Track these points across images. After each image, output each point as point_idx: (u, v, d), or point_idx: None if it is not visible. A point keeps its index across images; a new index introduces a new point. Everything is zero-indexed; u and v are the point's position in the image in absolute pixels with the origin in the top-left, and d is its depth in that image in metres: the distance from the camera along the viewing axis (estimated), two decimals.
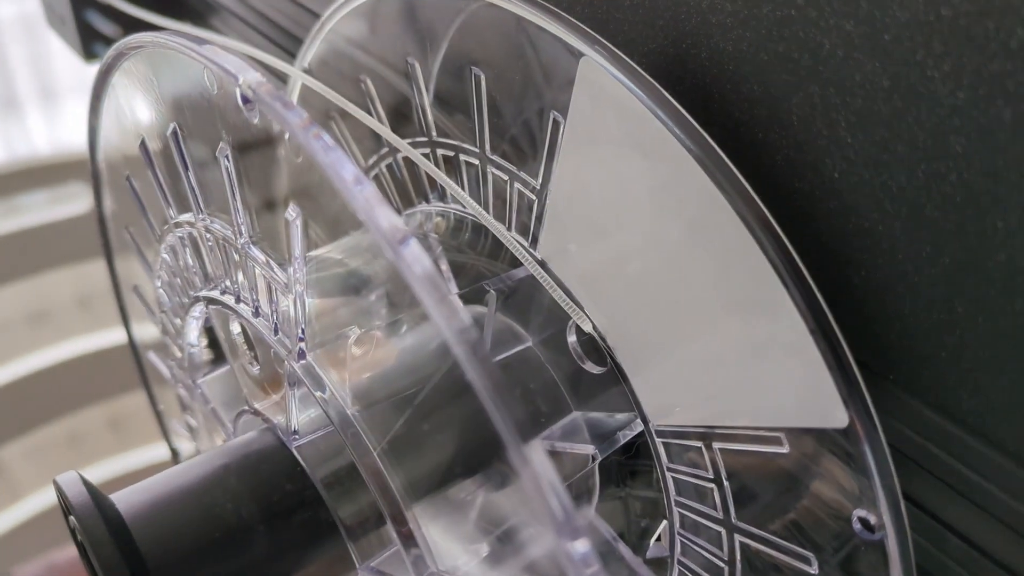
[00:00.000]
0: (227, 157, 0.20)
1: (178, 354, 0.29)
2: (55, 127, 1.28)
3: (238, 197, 0.20)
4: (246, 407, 0.25)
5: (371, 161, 0.29)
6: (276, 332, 0.21)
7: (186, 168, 0.23)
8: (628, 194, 0.21)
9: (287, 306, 0.21)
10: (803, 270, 0.18)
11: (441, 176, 0.24)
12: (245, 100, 0.18)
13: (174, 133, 0.22)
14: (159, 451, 1.07)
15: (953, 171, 0.16)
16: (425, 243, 0.28)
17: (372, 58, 0.28)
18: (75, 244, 0.94)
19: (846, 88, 0.18)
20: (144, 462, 1.04)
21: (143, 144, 0.24)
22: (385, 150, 0.29)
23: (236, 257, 0.22)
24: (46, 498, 1.00)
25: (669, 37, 0.21)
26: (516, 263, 0.25)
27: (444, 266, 0.28)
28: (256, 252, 0.21)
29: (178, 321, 0.28)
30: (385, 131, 0.24)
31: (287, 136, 0.17)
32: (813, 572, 0.20)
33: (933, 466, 0.19)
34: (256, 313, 0.22)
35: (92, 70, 0.44)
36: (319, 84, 0.26)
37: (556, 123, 0.22)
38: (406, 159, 0.28)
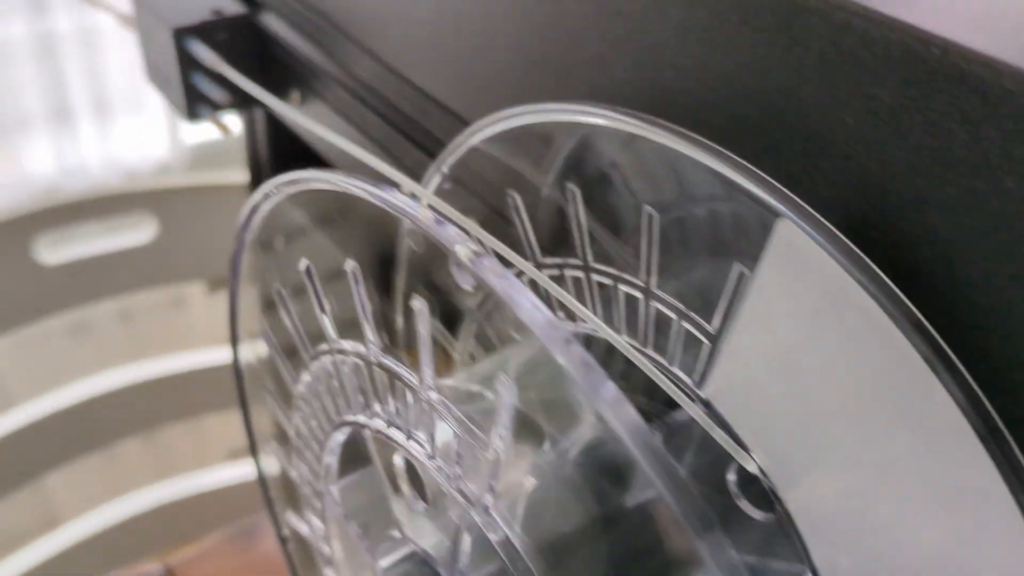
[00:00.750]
0: (422, 314, 0.20)
1: (315, 464, 0.29)
2: (107, 142, 1.29)
3: (430, 352, 0.20)
4: (398, 535, 0.25)
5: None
6: (458, 479, 0.21)
7: (360, 302, 0.22)
8: (819, 356, 0.21)
9: (482, 459, 0.20)
10: (1017, 454, 0.18)
11: (568, 298, 0.24)
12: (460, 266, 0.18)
13: (353, 270, 0.22)
14: (201, 480, 1.07)
15: None
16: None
17: (518, 174, 0.28)
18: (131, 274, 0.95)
19: None
20: (185, 492, 1.04)
21: (308, 270, 0.24)
22: (529, 263, 0.28)
23: (411, 399, 0.22)
24: (87, 525, 1.01)
25: (873, 207, 0.20)
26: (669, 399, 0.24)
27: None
28: (439, 404, 0.21)
29: (320, 428, 0.28)
30: (511, 253, 0.24)
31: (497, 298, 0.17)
32: None
33: None
34: (431, 456, 0.22)
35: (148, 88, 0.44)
36: (449, 207, 0.26)
37: (743, 275, 0.21)
38: (575, 278, 0.27)
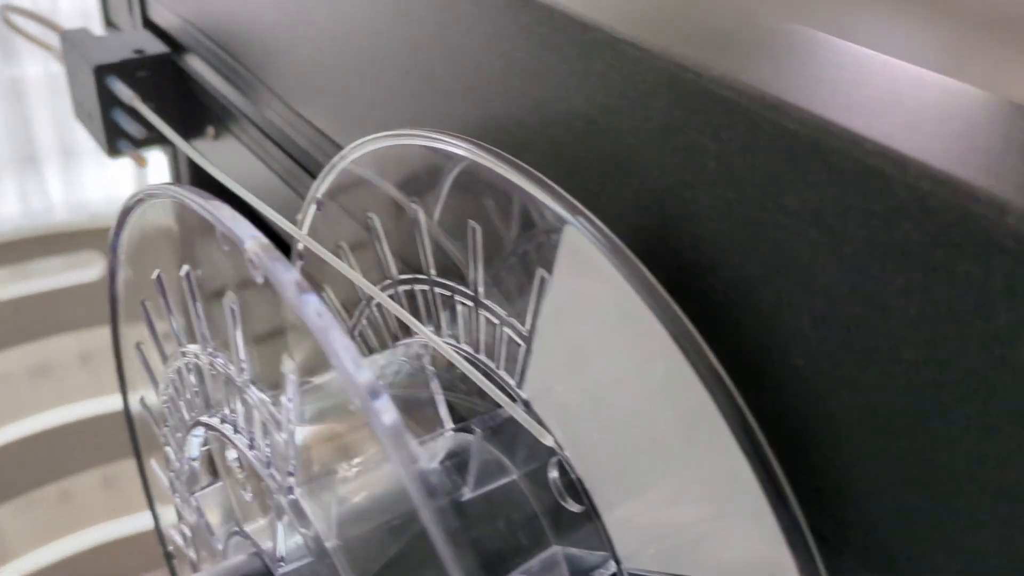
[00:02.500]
0: (233, 307, 0.21)
1: (177, 466, 0.30)
2: (73, 187, 1.31)
3: (240, 340, 0.22)
4: (236, 528, 0.26)
5: (384, 284, 0.31)
6: (268, 466, 0.23)
7: (195, 307, 0.24)
8: (605, 354, 0.22)
9: (280, 442, 0.22)
10: (765, 447, 0.20)
11: (409, 318, 0.25)
12: (251, 262, 0.20)
13: (187, 275, 0.24)
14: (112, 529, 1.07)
15: (904, 377, 0.18)
16: (421, 375, 0.29)
17: (382, 195, 0.30)
18: (83, 310, 0.96)
19: (810, 289, 0.19)
20: (138, 528, 1.04)
21: (159, 278, 0.26)
22: (387, 281, 0.30)
23: (235, 392, 0.23)
24: (39, 558, 1.00)
25: (654, 218, 0.22)
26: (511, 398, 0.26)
27: (439, 399, 0.29)
28: (254, 391, 0.22)
29: (179, 435, 0.29)
30: (356, 276, 0.26)
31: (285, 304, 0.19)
32: None
33: None
34: (251, 446, 0.23)
35: None
36: (311, 240, 0.27)
37: (544, 280, 0.23)
38: (423, 292, 0.29)
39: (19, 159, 1.28)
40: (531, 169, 0.23)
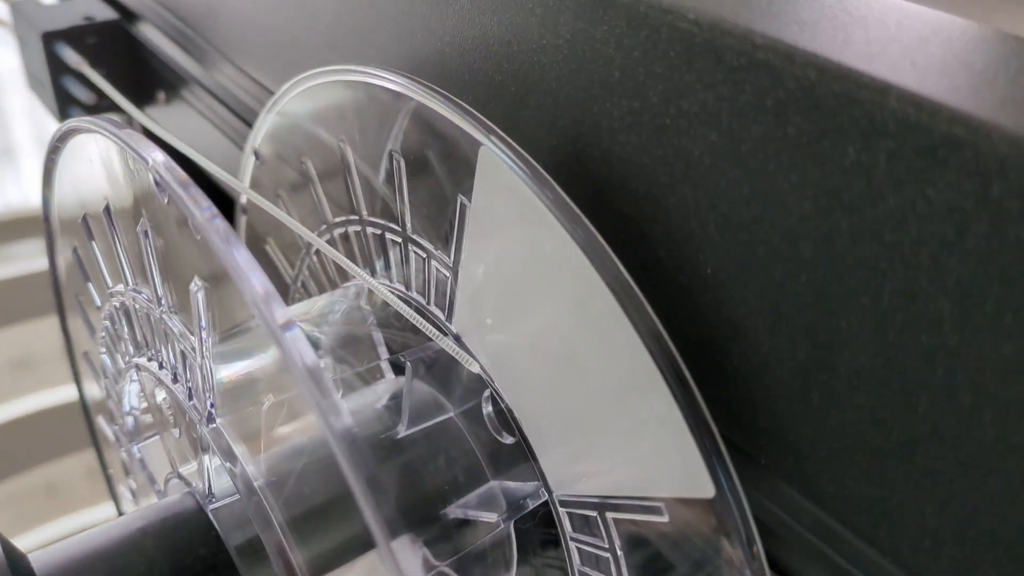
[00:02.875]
0: (146, 233, 0.21)
1: (119, 418, 0.30)
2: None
3: (155, 269, 0.22)
4: (173, 471, 0.26)
5: (321, 230, 0.31)
6: (190, 398, 0.22)
7: (115, 242, 0.24)
8: (524, 276, 0.22)
9: (197, 370, 0.22)
10: (676, 355, 0.19)
11: (340, 258, 0.25)
12: (157, 183, 0.20)
13: (106, 209, 0.24)
14: (97, 515, 1.06)
15: (803, 273, 0.18)
16: (358, 313, 0.29)
17: (314, 139, 0.29)
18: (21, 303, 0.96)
19: (713, 192, 0.19)
20: (83, 525, 1.03)
21: (84, 218, 0.26)
22: (324, 226, 0.30)
23: (157, 326, 0.23)
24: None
25: (568, 136, 0.22)
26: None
27: (377, 335, 0.29)
28: (173, 321, 0.22)
29: (119, 386, 0.29)
30: (291, 220, 0.25)
31: (190, 223, 0.18)
32: None
33: (804, 548, 0.20)
34: (175, 379, 0.23)
35: None
36: (232, 179, 0.27)
37: (463, 206, 0.23)
38: (356, 232, 0.29)
39: None
40: (444, 92, 0.23)
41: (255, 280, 0.17)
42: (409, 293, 0.27)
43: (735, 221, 0.19)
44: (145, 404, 0.30)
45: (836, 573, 0.19)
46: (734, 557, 0.19)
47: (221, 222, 0.18)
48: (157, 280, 0.22)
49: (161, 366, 0.24)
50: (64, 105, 0.46)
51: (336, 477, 0.24)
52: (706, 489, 0.19)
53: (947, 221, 0.15)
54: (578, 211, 0.20)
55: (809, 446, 0.19)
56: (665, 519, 0.21)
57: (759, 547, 0.19)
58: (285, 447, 0.24)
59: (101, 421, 0.33)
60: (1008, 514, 0.16)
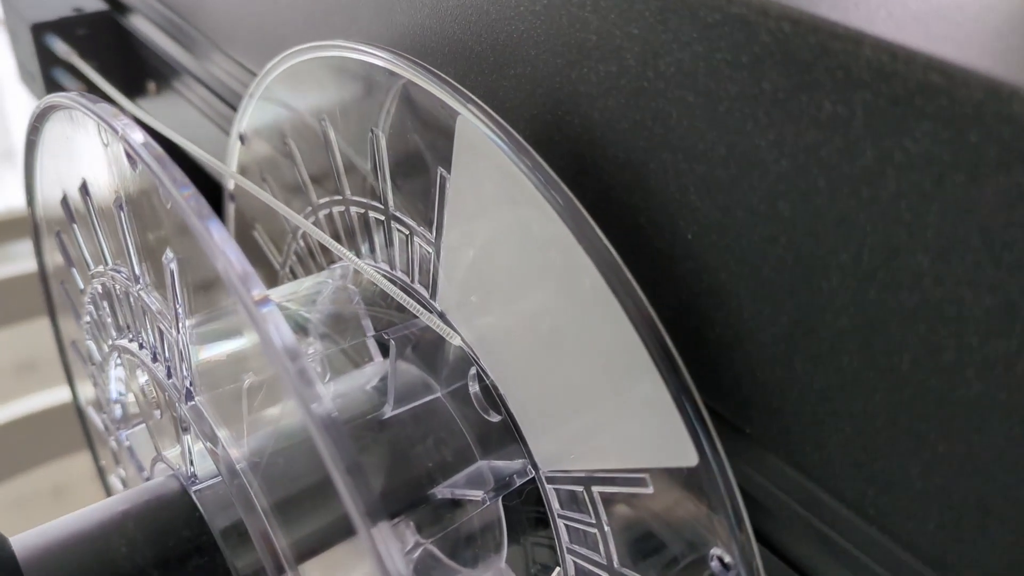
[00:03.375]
0: (120, 207, 0.21)
1: (106, 405, 0.30)
2: None
3: (131, 245, 0.21)
4: (157, 454, 0.26)
5: (306, 212, 0.30)
6: (169, 376, 0.22)
7: (93, 221, 0.24)
8: (505, 248, 0.22)
9: (175, 345, 0.22)
10: (658, 325, 0.19)
11: (324, 237, 0.25)
12: (128, 156, 0.19)
13: (82, 187, 0.23)
14: None
15: (783, 234, 0.17)
16: (344, 293, 0.29)
17: (298, 119, 0.29)
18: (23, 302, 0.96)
19: (691, 155, 0.19)
20: None
21: (64, 199, 0.26)
22: (309, 208, 0.30)
23: (136, 304, 0.23)
24: None
25: (547, 105, 0.22)
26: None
27: (363, 314, 0.29)
28: (151, 298, 0.22)
29: (103, 373, 0.29)
30: (276, 203, 0.25)
31: (160, 192, 0.18)
32: None
33: (790, 518, 0.20)
34: (154, 359, 0.23)
35: None
36: (217, 162, 0.27)
37: (443, 179, 0.23)
38: (341, 213, 0.29)
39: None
40: (422, 63, 0.22)
41: (231, 255, 0.17)
42: (394, 272, 0.26)
43: (714, 184, 0.18)
44: (130, 390, 0.30)
45: (823, 543, 0.19)
46: (720, 527, 0.19)
47: (196, 197, 0.18)
48: (134, 257, 0.21)
49: (141, 347, 0.23)
50: None
51: (319, 459, 0.24)
52: (689, 457, 0.19)
53: (925, 172, 0.15)
54: (556, 178, 0.20)
55: (793, 413, 0.18)
56: (650, 490, 0.20)
57: (744, 514, 0.18)
58: (267, 429, 0.23)
59: (91, 411, 0.33)
60: (993, 473, 0.15)
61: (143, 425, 0.30)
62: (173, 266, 0.20)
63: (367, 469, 0.26)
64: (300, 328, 0.28)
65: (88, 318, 0.28)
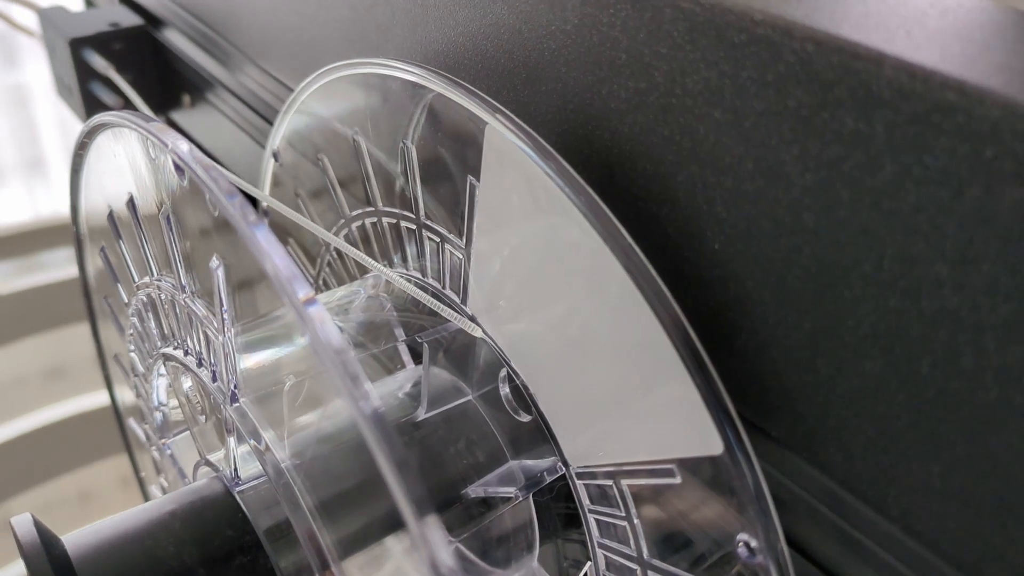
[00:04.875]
0: (167, 217, 0.22)
1: (148, 415, 0.31)
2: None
3: (179, 254, 0.22)
4: (201, 459, 0.27)
5: (339, 224, 0.31)
6: (215, 379, 0.23)
7: (139, 234, 0.25)
8: (534, 253, 0.23)
9: (220, 350, 0.23)
10: (683, 320, 0.20)
11: (352, 249, 0.26)
12: (177, 168, 0.20)
13: (130, 201, 0.24)
14: None
15: (807, 244, 0.18)
16: (376, 301, 0.30)
17: (332, 134, 0.30)
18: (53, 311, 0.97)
19: (719, 169, 0.19)
20: None
21: (111, 215, 0.27)
22: (342, 220, 0.31)
23: (182, 312, 0.24)
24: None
25: (577, 120, 0.23)
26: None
27: (395, 322, 0.30)
28: (196, 305, 0.23)
29: (147, 383, 0.30)
30: (302, 218, 0.26)
31: (208, 199, 0.19)
32: None
33: (813, 515, 0.20)
34: (199, 364, 0.24)
35: None
36: (248, 185, 0.28)
37: (472, 187, 0.24)
38: (373, 224, 0.29)
39: (26, 162, 1.30)
40: (450, 76, 0.23)
41: (277, 260, 0.18)
42: (425, 280, 0.27)
43: (741, 196, 0.19)
44: (174, 400, 0.31)
45: (846, 542, 0.20)
46: (745, 513, 0.20)
47: (244, 204, 0.19)
48: (181, 266, 0.22)
49: (186, 353, 0.24)
50: (92, 110, 0.47)
51: (364, 457, 0.25)
52: (714, 446, 0.19)
53: (943, 185, 0.15)
54: (583, 182, 0.21)
55: (817, 416, 0.19)
56: (678, 480, 0.21)
57: (769, 500, 0.19)
58: (310, 430, 0.24)
59: (132, 423, 0.34)
60: (1012, 474, 0.16)
61: (185, 433, 0.31)
62: (220, 272, 0.21)
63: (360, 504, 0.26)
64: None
65: (132, 331, 0.29)
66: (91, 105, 0.47)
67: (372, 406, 0.18)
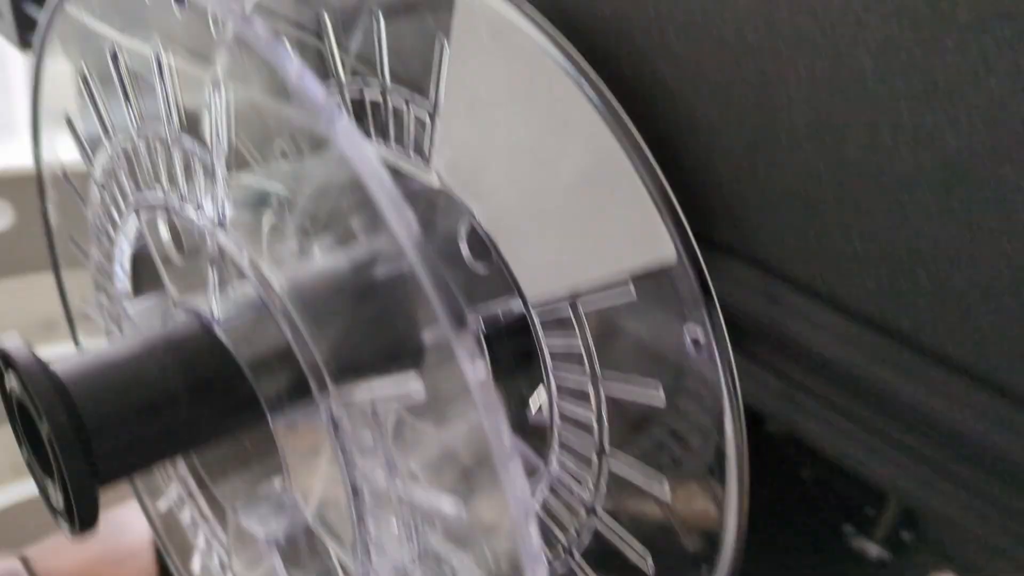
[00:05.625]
0: (157, 56, 0.24)
1: (109, 286, 0.31)
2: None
3: (169, 88, 0.24)
4: (172, 303, 0.28)
5: None
6: (198, 208, 0.25)
7: (122, 82, 0.26)
8: (502, 100, 0.25)
9: (207, 179, 0.24)
10: (634, 131, 0.22)
11: None
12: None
13: (113, 54, 0.26)
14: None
15: (749, 59, 0.21)
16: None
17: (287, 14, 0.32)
18: None
19: (670, 2, 0.22)
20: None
21: (84, 77, 0.28)
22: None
23: (165, 149, 0.25)
24: None
25: None
26: None
27: None
28: (184, 138, 0.24)
29: (108, 266, 0.31)
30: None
31: (220, 23, 0.21)
32: (660, 396, 0.23)
33: (754, 318, 0.23)
34: (182, 199, 0.25)
35: None
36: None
37: (443, 47, 0.26)
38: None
39: None
40: None
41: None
42: (389, 144, 0.29)
43: (689, 24, 0.22)
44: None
45: (784, 336, 0.23)
46: (694, 312, 0.22)
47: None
48: (170, 100, 0.24)
49: (165, 193, 0.26)
50: (24, 31, 0.47)
51: (362, 287, 0.26)
52: (666, 251, 0.22)
53: None
54: (550, 26, 0.23)
55: (756, 210, 0.22)
56: (632, 295, 0.24)
57: (715, 296, 0.22)
58: (308, 258, 0.26)
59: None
60: (922, 226, 0.19)
61: (144, 305, 0.32)
62: (217, 97, 0.22)
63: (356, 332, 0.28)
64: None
65: (100, 195, 0.30)
66: (23, 26, 0.47)
67: (416, 229, 0.20)
